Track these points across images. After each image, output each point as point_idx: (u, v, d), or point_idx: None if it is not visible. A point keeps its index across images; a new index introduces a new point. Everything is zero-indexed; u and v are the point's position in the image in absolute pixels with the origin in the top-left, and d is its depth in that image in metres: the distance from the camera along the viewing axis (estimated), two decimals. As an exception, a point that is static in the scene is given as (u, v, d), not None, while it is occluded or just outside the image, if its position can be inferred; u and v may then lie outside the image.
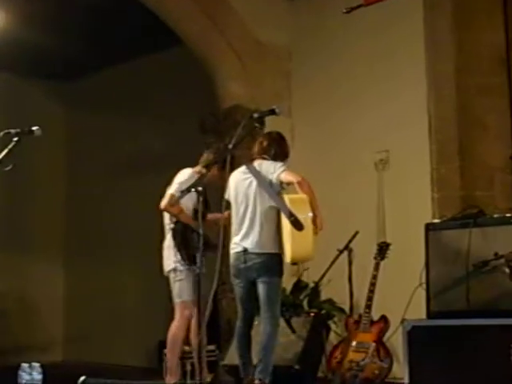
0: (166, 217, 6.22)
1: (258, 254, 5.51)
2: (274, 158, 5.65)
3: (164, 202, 5.99)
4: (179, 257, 6.09)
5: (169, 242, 6.19)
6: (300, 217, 5.27)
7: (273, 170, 5.50)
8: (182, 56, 8.66)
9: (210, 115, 8.56)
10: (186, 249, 6.01)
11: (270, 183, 5.47)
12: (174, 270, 6.16)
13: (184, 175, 6.19)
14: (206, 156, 6.41)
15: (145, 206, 9.15)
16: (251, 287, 5.61)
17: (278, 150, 5.75)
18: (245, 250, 5.55)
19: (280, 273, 5.55)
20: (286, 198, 5.44)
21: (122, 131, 9.91)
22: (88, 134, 10.38)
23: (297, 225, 5.26)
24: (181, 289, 6.17)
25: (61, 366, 9.63)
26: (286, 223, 5.34)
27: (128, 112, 9.91)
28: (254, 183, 5.57)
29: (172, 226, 6.12)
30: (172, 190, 6.05)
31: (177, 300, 6.21)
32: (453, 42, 7.17)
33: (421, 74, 7.26)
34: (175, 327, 6.23)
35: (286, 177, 5.45)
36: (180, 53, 8.69)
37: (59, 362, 10.27)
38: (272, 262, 5.52)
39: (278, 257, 5.51)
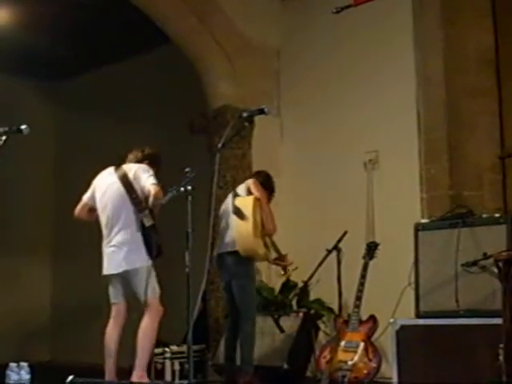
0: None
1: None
2: None
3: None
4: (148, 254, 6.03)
5: (134, 238, 6.02)
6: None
7: None
8: (171, 56, 8.65)
9: (199, 115, 8.55)
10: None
11: None
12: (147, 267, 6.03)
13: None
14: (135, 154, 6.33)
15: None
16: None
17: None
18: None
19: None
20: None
21: (111, 131, 9.88)
22: (77, 134, 10.35)
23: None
24: (155, 286, 6.12)
25: (49, 366, 9.61)
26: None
27: (117, 112, 9.89)
28: None
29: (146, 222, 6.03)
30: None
31: (152, 296, 6.11)
32: (442, 43, 7.18)
33: (410, 74, 7.27)
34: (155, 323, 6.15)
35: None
36: (169, 53, 8.67)
37: (47, 362, 10.24)
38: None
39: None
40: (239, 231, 6.19)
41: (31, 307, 10.52)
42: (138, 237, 5.89)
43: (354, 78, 7.72)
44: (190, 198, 4.66)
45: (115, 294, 6.05)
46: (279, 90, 8.40)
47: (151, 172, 5.98)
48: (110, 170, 6.21)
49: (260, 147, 8.03)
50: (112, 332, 6.01)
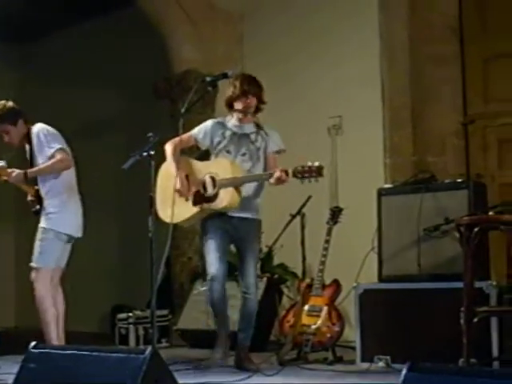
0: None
1: None
2: None
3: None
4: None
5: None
6: None
7: None
8: (135, 19, 8.55)
9: (162, 80, 8.50)
10: None
11: None
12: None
13: None
14: None
15: (100, 169, 9.12)
16: None
17: None
18: None
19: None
20: None
21: (75, 96, 9.77)
22: (41, 99, 10.23)
23: None
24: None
25: (13, 332, 9.58)
26: None
27: (80, 75, 9.77)
28: None
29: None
30: None
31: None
32: (407, 10, 7.19)
33: (375, 41, 7.28)
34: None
35: None
36: (133, 16, 8.57)
37: (12, 328, 10.20)
38: None
39: None
40: None
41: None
42: None
43: (319, 44, 7.71)
44: (152, 162, 4.65)
45: None
46: (243, 54, 8.35)
47: None
48: None
49: (223, 112, 7.95)
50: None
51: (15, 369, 3.65)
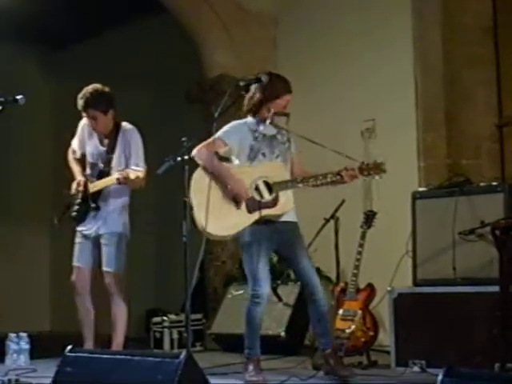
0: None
1: None
2: None
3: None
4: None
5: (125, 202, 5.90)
6: None
7: None
8: (167, 24, 8.60)
9: (196, 85, 8.53)
10: None
11: None
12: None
13: None
14: None
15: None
16: None
17: None
18: None
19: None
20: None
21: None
22: (74, 104, 10.30)
23: None
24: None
25: (48, 336, 9.65)
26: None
27: (113, 81, 9.78)
28: None
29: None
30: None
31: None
32: (440, 12, 7.15)
33: (408, 43, 7.25)
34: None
35: None
36: (165, 21, 8.62)
37: (47, 332, 10.28)
38: None
39: None
40: None
41: (31, 277, 10.56)
42: None
43: (352, 48, 7.69)
44: (186, 167, 4.65)
45: None
46: (276, 58, 8.36)
47: None
48: None
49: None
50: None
51: (50, 372, 3.69)
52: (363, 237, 6.08)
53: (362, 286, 6.08)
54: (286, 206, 5.12)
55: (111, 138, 5.79)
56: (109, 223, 5.77)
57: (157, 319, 7.37)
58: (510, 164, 6.76)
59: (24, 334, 6.20)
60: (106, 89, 5.81)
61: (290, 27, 8.30)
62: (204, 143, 5.17)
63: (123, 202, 5.83)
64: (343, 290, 6.02)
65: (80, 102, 5.76)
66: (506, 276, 4.57)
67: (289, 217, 5.22)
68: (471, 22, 7.10)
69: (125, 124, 5.86)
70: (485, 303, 4.99)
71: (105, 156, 5.78)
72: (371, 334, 5.79)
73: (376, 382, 5.14)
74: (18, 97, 4.83)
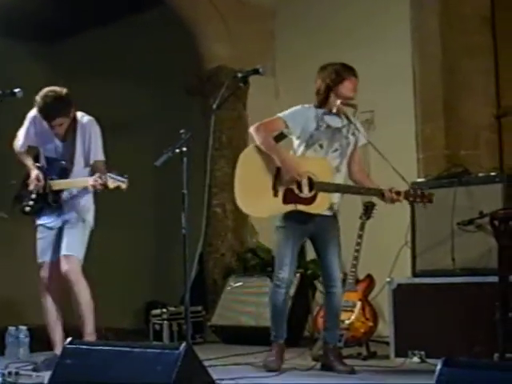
0: None
1: None
2: None
3: None
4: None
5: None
6: None
7: None
8: (165, 17, 8.58)
9: (194, 77, 8.52)
10: None
11: None
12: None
13: None
14: None
15: (133, 166, 9.12)
16: None
17: None
18: None
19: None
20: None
21: (105, 94, 9.82)
22: (73, 98, 10.28)
23: None
24: None
25: (46, 329, 9.63)
26: None
27: (111, 74, 9.83)
28: None
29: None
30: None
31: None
32: (438, 1, 7.14)
33: (406, 34, 7.24)
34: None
35: None
36: (163, 13, 8.60)
37: (44, 325, 10.26)
38: None
39: None
40: None
41: (30, 270, 10.54)
42: None
43: (350, 39, 7.68)
44: (185, 159, 4.65)
45: None
46: (274, 50, 8.35)
47: None
48: None
49: (255, 108, 7.99)
50: None
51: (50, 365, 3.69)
52: (362, 228, 6.08)
53: (361, 276, 6.09)
54: (322, 206, 5.06)
55: (69, 131, 5.41)
56: (76, 208, 5.41)
57: (156, 311, 7.37)
58: (509, 154, 6.76)
59: (23, 327, 6.20)
60: (64, 90, 5.45)
61: (288, 20, 8.29)
62: (264, 121, 5.16)
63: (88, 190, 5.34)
64: (343, 281, 6.02)
65: (43, 114, 5.31)
66: (505, 266, 4.57)
67: (329, 211, 5.18)
68: (469, 12, 7.09)
69: (81, 115, 5.49)
70: (484, 293, 5.00)
71: (65, 152, 5.41)
72: (370, 324, 5.80)
73: (375, 373, 5.14)
74: (16, 90, 4.83)
